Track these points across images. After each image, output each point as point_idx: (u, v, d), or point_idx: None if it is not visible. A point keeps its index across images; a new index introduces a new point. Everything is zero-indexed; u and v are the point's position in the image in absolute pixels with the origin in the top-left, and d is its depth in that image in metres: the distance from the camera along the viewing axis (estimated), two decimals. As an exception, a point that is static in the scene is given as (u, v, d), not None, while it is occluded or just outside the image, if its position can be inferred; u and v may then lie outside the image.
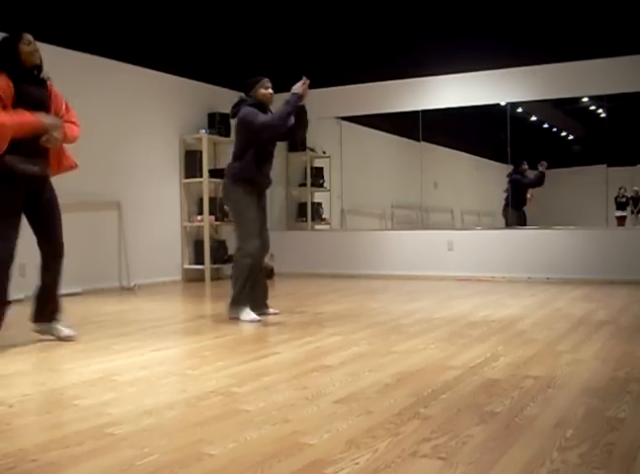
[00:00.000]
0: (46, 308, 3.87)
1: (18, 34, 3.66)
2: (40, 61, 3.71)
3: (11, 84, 3.52)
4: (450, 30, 6.19)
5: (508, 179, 8.05)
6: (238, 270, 4.52)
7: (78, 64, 6.62)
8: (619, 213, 7.89)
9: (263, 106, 4.57)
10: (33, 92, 3.65)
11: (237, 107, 4.56)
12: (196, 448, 1.93)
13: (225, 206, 4.69)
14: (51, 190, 3.81)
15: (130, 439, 2.02)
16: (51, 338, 3.87)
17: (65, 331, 3.86)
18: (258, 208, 4.59)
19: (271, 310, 4.80)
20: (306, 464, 1.78)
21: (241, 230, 4.54)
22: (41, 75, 3.75)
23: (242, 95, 4.64)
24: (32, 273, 5.62)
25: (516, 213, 8.03)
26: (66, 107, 3.84)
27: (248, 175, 4.51)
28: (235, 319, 4.48)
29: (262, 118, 4.44)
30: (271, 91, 4.62)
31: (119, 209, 7.09)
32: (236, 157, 4.55)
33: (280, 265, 8.48)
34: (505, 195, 8.12)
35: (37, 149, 3.64)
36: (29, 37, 3.66)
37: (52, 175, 3.82)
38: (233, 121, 4.75)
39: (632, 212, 7.95)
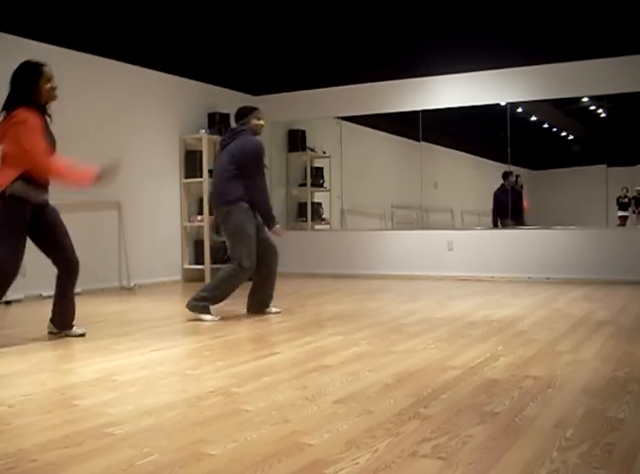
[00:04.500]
0: (61, 317, 3.95)
1: (39, 68, 3.68)
2: None
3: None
4: (450, 30, 6.18)
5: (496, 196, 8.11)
6: (231, 279, 4.62)
7: (78, 64, 6.62)
8: (622, 213, 7.89)
9: (254, 134, 4.78)
10: (49, 128, 3.76)
11: (237, 133, 4.72)
12: (196, 448, 1.93)
13: (222, 227, 4.76)
14: (53, 210, 3.89)
15: (130, 439, 2.02)
16: (53, 335, 3.92)
17: (77, 330, 3.97)
18: (256, 226, 4.75)
19: (273, 309, 4.93)
20: (306, 464, 1.78)
21: (243, 247, 4.62)
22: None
23: (234, 126, 4.86)
24: (32, 273, 5.64)
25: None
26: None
27: (252, 200, 4.68)
28: (198, 316, 4.55)
29: (263, 169, 4.72)
30: (263, 122, 4.85)
31: (119, 209, 7.08)
32: (238, 179, 4.64)
33: (280, 265, 8.45)
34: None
35: (47, 179, 3.80)
36: (49, 72, 3.69)
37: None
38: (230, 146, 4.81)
39: (634, 212, 7.95)
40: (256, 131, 4.79)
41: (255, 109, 4.84)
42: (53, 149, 3.78)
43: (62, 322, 3.95)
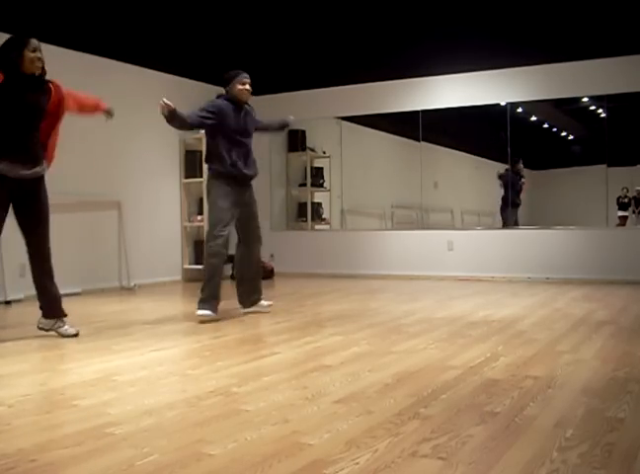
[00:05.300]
0: (49, 305, 3.93)
1: (25, 38, 3.68)
2: (42, 70, 3.74)
3: None
4: (450, 30, 6.18)
5: (501, 181, 8.08)
6: (205, 261, 4.55)
7: (78, 64, 6.62)
8: (622, 213, 7.89)
9: (238, 102, 4.58)
10: (27, 98, 3.69)
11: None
12: (196, 448, 1.93)
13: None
14: (45, 192, 3.86)
15: (130, 439, 2.02)
16: (53, 335, 3.91)
17: (69, 330, 3.95)
18: (238, 202, 4.58)
19: (263, 303, 4.84)
20: (306, 464, 1.78)
21: (210, 218, 4.56)
22: (45, 78, 3.78)
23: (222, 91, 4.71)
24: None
25: (514, 212, 8.03)
26: (69, 97, 3.91)
27: (221, 169, 4.52)
28: (203, 317, 4.45)
29: (200, 111, 4.50)
30: (247, 87, 4.59)
31: (119, 209, 7.08)
32: (208, 153, 4.62)
33: (279, 265, 8.48)
34: (501, 194, 8.12)
35: (29, 152, 3.73)
36: (35, 43, 3.67)
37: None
38: None
39: (634, 212, 7.95)
40: (240, 98, 4.57)
41: (239, 73, 4.59)
42: (23, 119, 3.68)
43: (49, 311, 3.92)
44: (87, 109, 4.16)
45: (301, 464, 1.78)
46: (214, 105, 4.56)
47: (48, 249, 3.89)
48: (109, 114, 4.28)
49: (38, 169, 3.78)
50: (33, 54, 3.64)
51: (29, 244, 3.86)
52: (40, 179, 3.84)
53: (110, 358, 3.30)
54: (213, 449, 1.91)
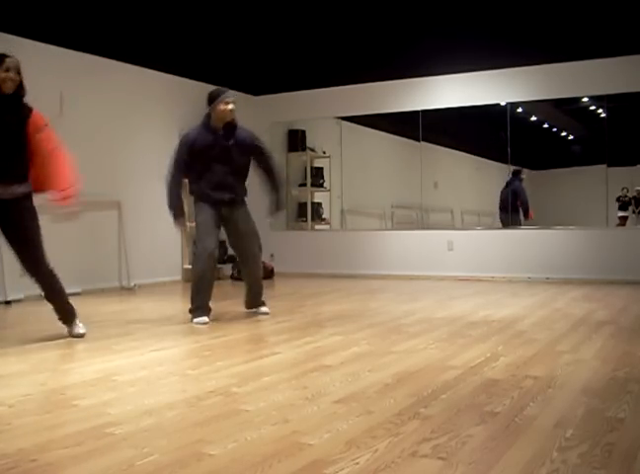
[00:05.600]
0: (61, 313, 3.93)
1: (1, 56, 3.61)
2: (16, 90, 3.62)
3: None
4: (450, 30, 6.18)
5: (507, 186, 8.08)
6: (192, 270, 4.61)
7: (78, 64, 6.62)
8: (622, 213, 7.89)
9: (220, 123, 4.46)
10: (3, 119, 3.59)
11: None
12: (196, 448, 1.93)
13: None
14: (32, 211, 3.71)
15: (130, 439, 2.02)
16: (53, 335, 3.91)
17: (80, 330, 3.95)
18: (220, 218, 4.52)
19: (262, 309, 4.78)
20: (306, 464, 1.78)
21: (195, 233, 4.59)
22: (21, 100, 3.66)
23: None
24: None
25: (514, 215, 8.04)
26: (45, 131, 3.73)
27: (197, 191, 4.55)
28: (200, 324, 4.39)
29: (174, 161, 4.53)
30: (230, 106, 4.41)
31: (119, 209, 7.08)
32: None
33: (280, 265, 8.48)
34: (501, 198, 8.12)
35: (5, 172, 3.62)
36: (10, 63, 3.58)
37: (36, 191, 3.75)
38: None
39: (634, 212, 7.95)
40: (222, 118, 4.43)
41: (223, 92, 4.45)
42: None
43: (61, 318, 3.93)
44: (47, 169, 3.68)
45: (301, 464, 1.78)
46: (185, 140, 4.52)
47: (40, 266, 3.75)
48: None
49: (14, 188, 3.63)
50: (4, 74, 3.56)
51: (21, 263, 3.77)
52: (25, 199, 3.69)
53: (110, 358, 3.30)
54: (213, 449, 1.91)
